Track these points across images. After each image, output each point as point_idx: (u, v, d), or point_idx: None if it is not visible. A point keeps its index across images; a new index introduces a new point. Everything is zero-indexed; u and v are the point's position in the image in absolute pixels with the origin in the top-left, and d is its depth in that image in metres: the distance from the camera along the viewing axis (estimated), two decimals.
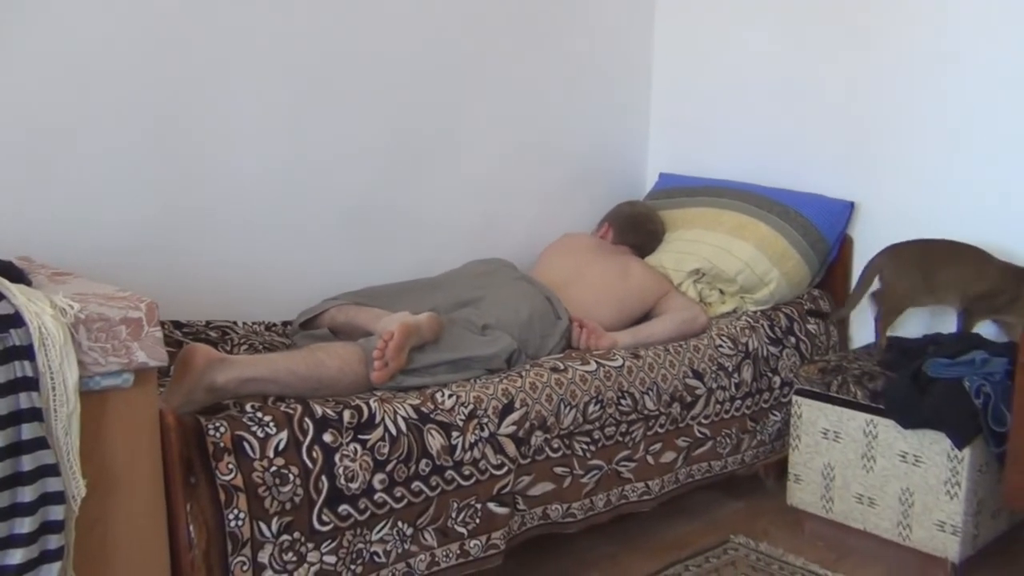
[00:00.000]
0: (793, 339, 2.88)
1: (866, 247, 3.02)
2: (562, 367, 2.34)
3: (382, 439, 1.95)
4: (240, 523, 1.75)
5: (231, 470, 1.76)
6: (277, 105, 2.58)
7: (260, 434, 1.81)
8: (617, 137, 3.50)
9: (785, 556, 2.50)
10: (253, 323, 2.49)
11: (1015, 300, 2.50)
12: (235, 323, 2.45)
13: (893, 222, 2.93)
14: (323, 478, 1.86)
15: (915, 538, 2.39)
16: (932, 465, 2.34)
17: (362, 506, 1.91)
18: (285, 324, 2.54)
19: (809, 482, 2.59)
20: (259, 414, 1.84)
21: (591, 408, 2.33)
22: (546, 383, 2.27)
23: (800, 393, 2.59)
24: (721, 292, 2.96)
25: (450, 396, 2.11)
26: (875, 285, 2.71)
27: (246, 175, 2.55)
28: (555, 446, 2.26)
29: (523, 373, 2.28)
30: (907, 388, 2.33)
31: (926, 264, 2.60)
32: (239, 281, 2.57)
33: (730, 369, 2.68)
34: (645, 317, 2.80)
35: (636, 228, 3.10)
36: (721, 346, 2.69)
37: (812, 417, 2.56)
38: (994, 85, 2.70)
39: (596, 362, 2.41)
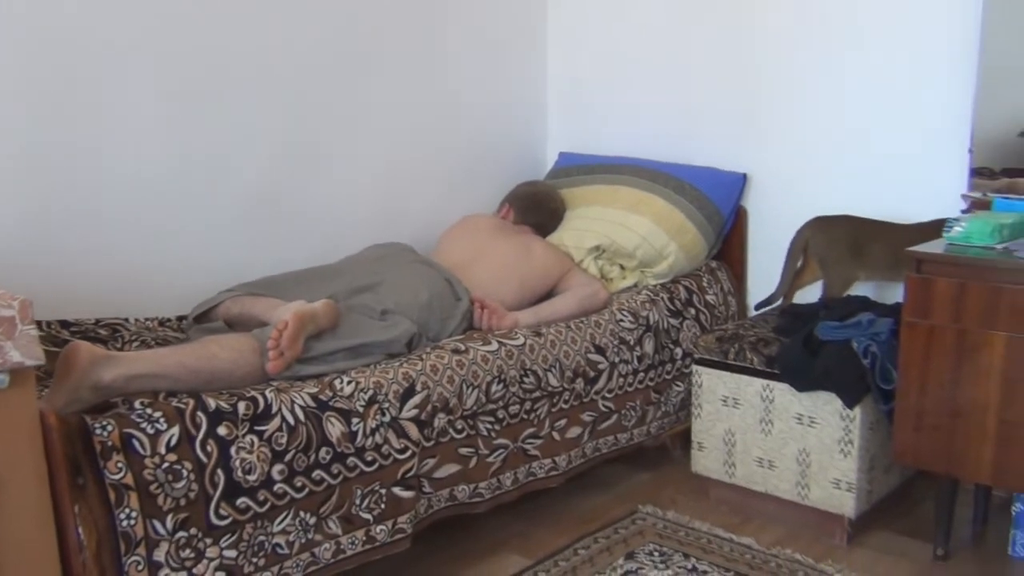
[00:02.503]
0: (693, 310, 2.94)
1: (760, 217, 3.11)
2: (463, 348, 2.34)
3: (279, 429, 1.92)
4: (132, 522, 1.71)
5: (120, 469, 1.71)
6: (163, 95, 2.51)
7: (150, 430, 1.77)
8: (515, 118, 3.52)
9: (691, 523, 2.56)
10: (146, 319, 2.43)
11: None
12: (127, 320, 2.39)
13: (785, 192, 3.03)
14: (219, 472, 1.82)
15: (813, 497, 2.47)
16: (826, 425, 2.41)
17: (261, 498, 1.88)
18: (180, 319, 2.49)
19: (712, 449, 2.65)
20: (148, 410, 1.80)
21: (494, 388, 2.34)
22: (447, 365, 2.27)
23: (699, 363, 2.65)
24: (622, 267, 3.00)
25: (349, 383, 2.09)
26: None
27: (132, 168, 2.48)
28: (459, 427, 2.26)
29: (424, 356, 2.27)
30: (799, 352, 2.40)
31: (852, 238, 2.65)
32: (131, 277, 2.51)
33: (632, 343, 2.71)
34: (548, 296, 2.82)
35: (537, 208, 3.12)
36: (622, 320, 2.73)
37: (712, 385, 2.62)
38: (879, 58, 2.79)
39: (497, 342, 2.41)
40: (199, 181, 2.62)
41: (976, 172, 2.58)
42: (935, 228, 2.55)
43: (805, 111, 2.95)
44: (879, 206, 2.74)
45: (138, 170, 2.49)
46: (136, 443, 1.74)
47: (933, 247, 2.24)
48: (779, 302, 2.83)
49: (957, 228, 2.25)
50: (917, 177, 2.70)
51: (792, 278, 2.76)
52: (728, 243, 3.15)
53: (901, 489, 2.62)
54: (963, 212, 2.55)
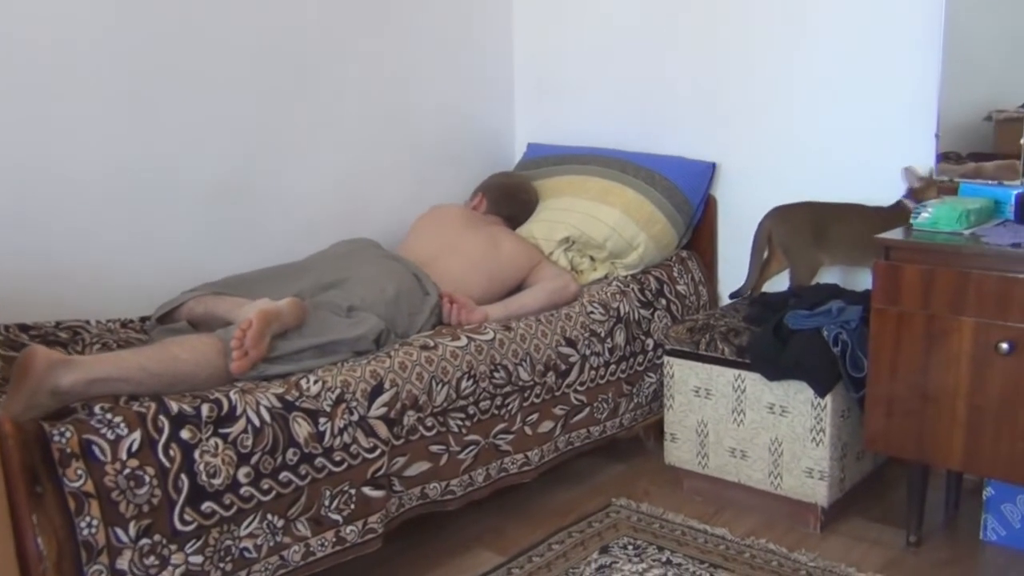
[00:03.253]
0: (664, 301, 2.93)
1: (729, 206, 3.10)
2: (432, 344, 2.31)
3: (245, 431, 1.89)
4: (94, 530, 1.67)
5: (80, 476, 1.67)
6: (121, 87, 2.46)
7: (110, 436, 1.73)
8: (483, 109, 3.49)
9: (665, 515, 2.55)
10: (108, 321, 2.38)
11: None
12: (88, 322, 2.33)
13: (754, 180, 3.02)
14: (183, 476, 1.79)
15: (786, 486, 2.47)
16: (798, 414, 2.41)
17: (227, 502, 1.85)
18: (143, 320, 2.44)
19: (685, 440, 2.64)
20: (109, 415, 1.76)
21: (464, 383, 2.31)
22: (416, 361, 2.24)
23: (671, 353, 2.64)
24: (592, 259, 2.98)
25: (316, 382, 2.06)
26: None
27: (89, 163, 2.43)
28: (429, 424, 2.24)
29: (392, 353, 2.24)
30: (769, 341, 2.39)
31: (813, 224, 2.64)
32: (92, 277, 2.46)
33: (603, 335, 2.70)
34: (518, 289, 2.80)
35: (510, 198, 3.10)
36: (592, 312, 2.71)
37: (683, 376, 2.61)
38: (845, 44, 2.78)
39: (467, 337, 2.39)
40: (159, 177, 2.57)
41: (943, 156, 2.58)
42: (894, 209, 2.57)
43: (772, 99, 2.94)
44: (847, 192, 2.73)
45: (96, 166, 2.44)
46: (96, 449, 1.71)
47: (900, 234, 2.24)
48: (748, 294, 2.82)
49: (924, 214, 2.25)
50: (885, 163, 2.69)
51: (760, 269, 2.75)
52: (698, 232, 3.14)
53: (873, 475, 2.63)
54: (907, 190, 2.57)
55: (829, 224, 2.63)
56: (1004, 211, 2.36)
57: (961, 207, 2.23)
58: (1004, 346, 2.04)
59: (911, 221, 2.27)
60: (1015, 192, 2.33)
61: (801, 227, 2.65)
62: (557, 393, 2.57)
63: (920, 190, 2.55)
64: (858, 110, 2.78)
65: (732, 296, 2.91)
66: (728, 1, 2.98)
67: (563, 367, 2.58)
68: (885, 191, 2.66)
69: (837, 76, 2.81)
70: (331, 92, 2.96)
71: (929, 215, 2.24)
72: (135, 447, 1.75)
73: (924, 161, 2.61)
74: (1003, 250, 2.05)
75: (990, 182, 2.46)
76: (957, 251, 2.12)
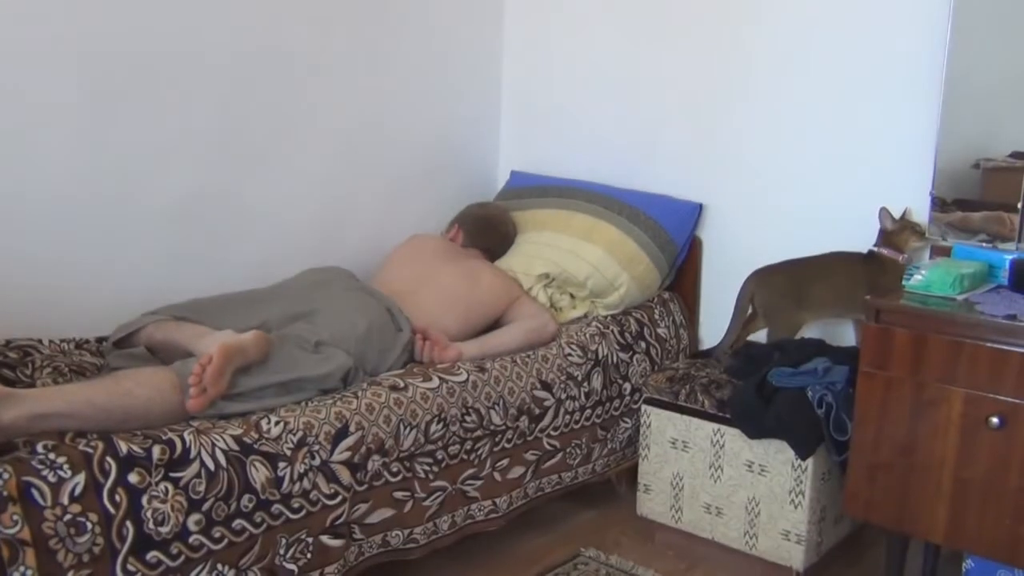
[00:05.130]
0: (643, 344, 2.85)
1: (715, 248, 3.03)
2: (402, 385, 2.22)
3: (197, 476, 1.78)
4: None
5: (16, 522, 1.56)
6: (83, 98, 2.34)
7: (52, 478, 1.62)
8: (467, 133, 3.40)
9: (635, 569, 2.46)
10: (62, 340, 2.26)
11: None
12: (40, 341, 2.21)
13: (741, 224, 2.96)
14: (128, 524, 1.68)
15: (761, 547, 2.39)
16: (777, 474, 2.34)
17: (175, 551, 1.74)
18: (100, 340, 2.32)
19: (659, 492, 2.56)
20: (52, 455, 1.65)
21: (433, 427, 2.22)
22: (384, 403, 2.14)
23: (649, 402, 2.56)
24: (572, 297, 2.90)
25: (277, 423, 1.96)
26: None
27: (47, 173, 2.31)
28: (394, 470, 2.14)
29: (359, 393, 2.14)
30: (751, 397, 2.32)
31: (794, 285, 2.58)
32: (45, 292, 2.34)
33: (579, 378, 2.62)
34: (495, 324, 2.71)
35: (487, 231, 3.02)
36: (570, 355, 2.63)
37: (661, 426, 2.53)
38: (840, 92, 2.72)
39: (439, 378, 2.30)
40: (120, 190, 2.45)
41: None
42: (869, 258, 2.53)
43: (764, 143, 2.88)
44: (837, 239, 2.66)
45: (54, 176, 2.33)
46: (35, 493, 1.60)
47: (893, 298, 2.17)
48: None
49: (917, 276, 2.19)
50: (876, 211, 2.62)
51: (740, 328, 2.67)
52: (682, 273, 3.07)
53: (851, 537, 2.56)
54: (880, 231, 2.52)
55: (811, 284, 2.57)
56: (998, 276, 2.30)
57: (956, 271, 2.17)
58: (995, 420, 1.97)
59: (904, 283, 2.20)
60: (1010, 258, 2.27)
61: (782, 290, 2.59)
62: (530, 438, 2.48)
63: (893, 232, 2.50)
64: (850, 157, 2.72)
65: (705, 353, 2.82)
66: (723, 42, 2.92)
67: (537, 411, 2.49)
68: (874, 239, 2.60)
69: (830, 121, 2.75)
70: (306, 112, 2.85)
71: (923, 278, 2.17)
72: (78, 491, 1.64)
73: (916, 210, 2.55)
74: (998, 322, 1.99)
75: (984, 245, 2.40)
76: (951, 319, 2.05)
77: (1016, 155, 2.41)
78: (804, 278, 2.58)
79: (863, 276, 2.51)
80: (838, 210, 2.74)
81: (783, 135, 2.84)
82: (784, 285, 2.59)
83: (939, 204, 2.52)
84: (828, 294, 2.55)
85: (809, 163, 2.80)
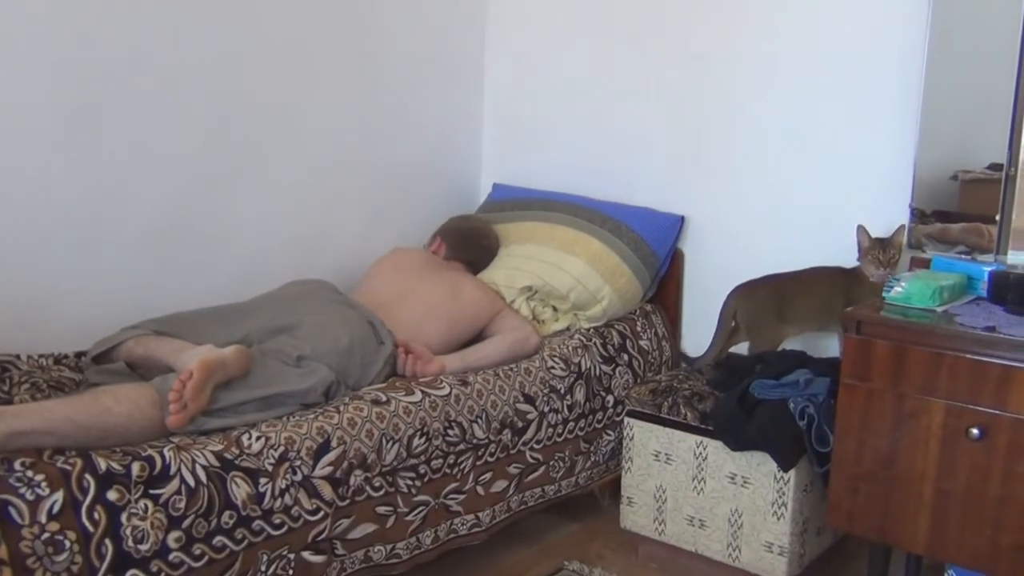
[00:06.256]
0: (626, 356, 2.85)
1: (697, 260, 3.04)
2: (384, 399, 2.21)
3: (177, 492, 1.77)
4: None
5: None
6: (59, 111, 2.33)
7: (29, 496, 1.60)
8: (449, 146, 3.40)
9: None
10: (40, 356, 2.25)
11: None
12: (18, 357, 2.20)
13: (722, 236, 2.97)
14: (107, 542, 1.66)
15: (744, 559, 2.39)
16: (759, 486, 2.34)
17: (154, 568, 1.72)
18: (79, 355, 2.31)
19: (642, 504, 2.56)
20: (29, 472, 1.63)
21: (416, 441, 2.21)
22: (366, 417, 2.13)
23: (632, 415, 2.56)
24: (555, 309, 2.90)
25: (258, 438, 1.94)
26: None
27: (26, 185, 2.30)
28: (377, 484, 2.13)
29: (341, 408, 2.13)
30: (734, 409, 2.33)
31: (776, 299, 2.59)
32: (24, 307, 2.32)
33: (562, 391, 2.61)
34: (478, 338, 2.70)
35: (470, 243, 3.02)
36: (553, 367, 2.63)
37: (644, 439, 2.53)
38: (821, 104, 2.74)
39: (421, 391, 2.29)
40: (100, 203, 2.44)
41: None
42: (850, 273, 2.54)
43: (746, 154, 2.89)
44: (819, 251, 2.67)
45: (34, 188, 2.31)
46: (13, 511, 1.58)
47: (873, 309, 2.18)
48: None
49: (897, 288, 2.20)
50: (857, 223, 2.64)
51: (723, 344, 2.68)
52: (664, 286, 3.07)
53: (833, 548, 2.56)
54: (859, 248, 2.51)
55: (794, 298, 2.58)
56: (977, 287, 2.31)
57: (935, 283, 2.18)
58: (975, 431, 1.98)
59: (884, 295, 2.21)
60: (988, 269, 2.28)
61: (764, 305, 2.60)
62: (512, 451, 2.47)
63: (865, 251, 2.50)
64: (830, 168, 2.74)
65: (688, 362, 2.83)
66: (705, 56, 2.93)
67: (520, 424, 2.48)
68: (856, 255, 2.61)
69: (811, 134, 2.76)
70: (286, 126, 2.84)
71: (902, 290, 2.18)
72: (56, 509, 1.62)
73: (897, 222, 2.56)
74: (977, 334, 2.00)
75: (963, 256, 2.42)
76: (930, 330, 2.06)
77: (993, 167, 2.42)
78: (786, 292, 2.59)
79: (844, 290, 2.52)
80: (819, 223, 2.75)
81: (765, 147, 2.85)
82: (767, 299, 2.60)
83: (918, 216, 2.53)
84: (810, 308, 2.56)
85: (790, 175, 2.81)
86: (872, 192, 2.66)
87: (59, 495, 1.63)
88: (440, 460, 2.27)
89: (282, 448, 1.96)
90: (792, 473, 2.28)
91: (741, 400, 2.35)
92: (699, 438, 2.42)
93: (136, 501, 1.71)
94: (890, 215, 2.58)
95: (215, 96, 2.65)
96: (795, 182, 2.81)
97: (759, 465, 2.33)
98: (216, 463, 1.85)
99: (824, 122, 2.74)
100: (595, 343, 2.79)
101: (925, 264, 2.46)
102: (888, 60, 2.60)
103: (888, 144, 2.62)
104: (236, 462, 1.88)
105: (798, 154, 2.79)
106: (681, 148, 3.01)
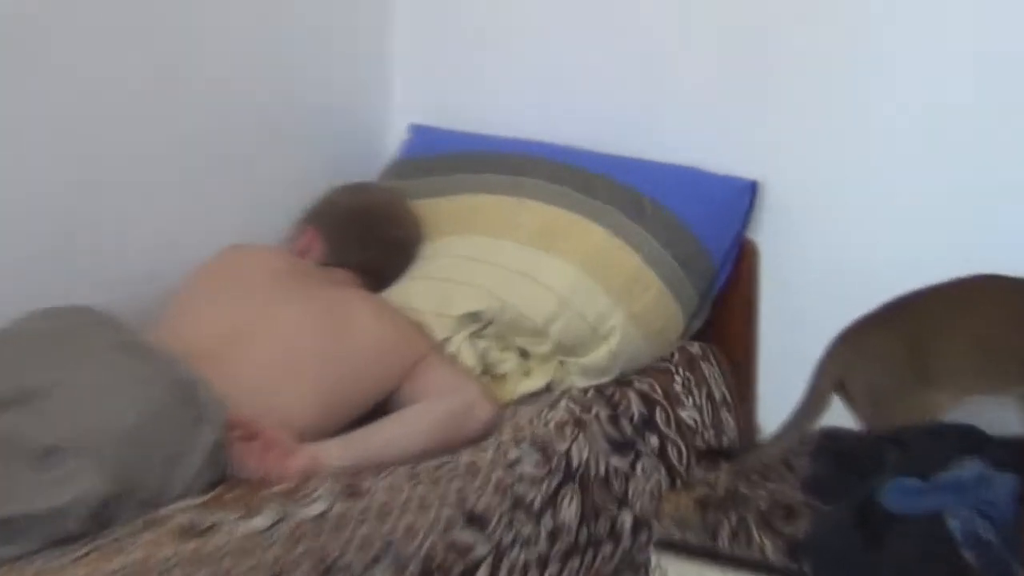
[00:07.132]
0: (656, 439, 2.89)
1: (782, 261, 3.07)
2: (203, 526, 2.23)
3: None
4: None
5: None
6: None
7: None
8: (335, 66, 3.54)
9: None
10: None
11: None
12: None
13: (830, 216, 3.04)
14: None
15: None
16: None
17: None
18: None
19: None
20: None
21: None
22: (170, 562, 2.14)
23: (664, 546, 2.57)
24: (523, 354, 2.96)
25: None
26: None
27: None
28: None
29: (125, 545, 2.15)
30: (849, 533, 2.35)
31: (911, 345, 2.63)
32: None
33: (538, 505, 2.64)
34: (381, 406, 2.77)
35: (365, 236, 3.12)
36: (519, 461, 2.65)
37: None
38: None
39: (274, 511, 2.31)
40: None
41: None
42: None
43: (865, 82, 2.95)
44: (989, 255, 2.72)
45: None
46: None
47: None
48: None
49: None
50: None
51: (813, 421, 2.73)
52: (723, 308, 3.14)
53: None
54: None
55: (941, 338, 2.63)
56: None
57: None
58: None
59: None
60: None
61: (894, 358, 2.65)
62: None
63: None
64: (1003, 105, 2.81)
65: (727, 458, 2.87)
66: None
67: (460, 568, 2.49)
68: None
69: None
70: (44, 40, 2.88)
71: None
72: None
73: None
74: None
75: None
76: None
77: None
78: (927, 330, 2.64)
79: None
80: (991, 200, 2.83)
81: (894, 70, 2.91)
82: (894, 348, 2.65)
83: None
84: (974, 353, 2.60)
85: (945, 114, 2.87)
86: None
87: None
88: None
89: None
90: None
91: (862, 516, 2.37)
92: None
93: None
94: None
95: None
96: (949, 125, 2.86)
97: None
98: None
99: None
100: (598, 415, 2.82)
101: None
102: None
103: None
104: None
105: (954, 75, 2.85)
106: (746, 66, 3.08)
